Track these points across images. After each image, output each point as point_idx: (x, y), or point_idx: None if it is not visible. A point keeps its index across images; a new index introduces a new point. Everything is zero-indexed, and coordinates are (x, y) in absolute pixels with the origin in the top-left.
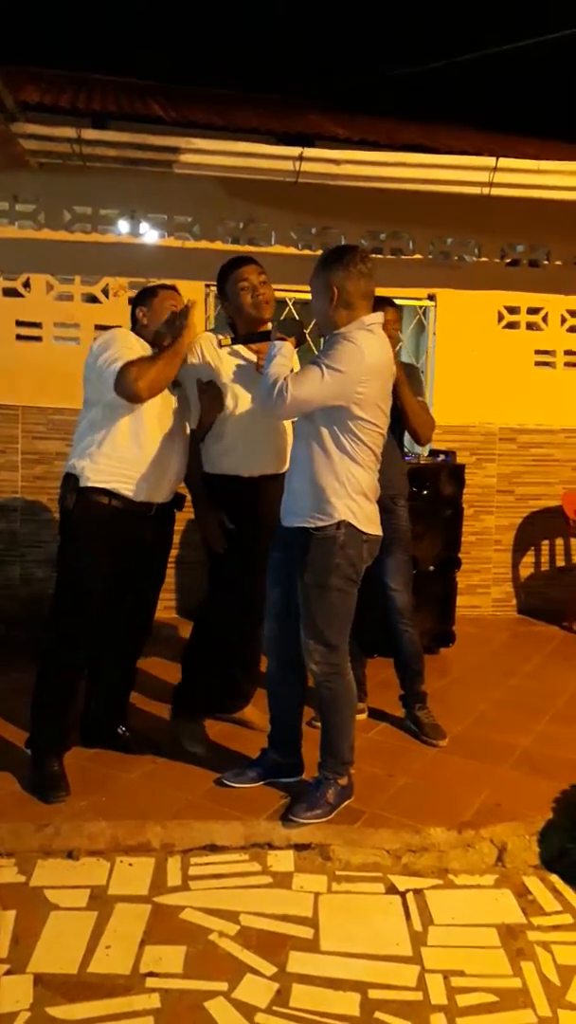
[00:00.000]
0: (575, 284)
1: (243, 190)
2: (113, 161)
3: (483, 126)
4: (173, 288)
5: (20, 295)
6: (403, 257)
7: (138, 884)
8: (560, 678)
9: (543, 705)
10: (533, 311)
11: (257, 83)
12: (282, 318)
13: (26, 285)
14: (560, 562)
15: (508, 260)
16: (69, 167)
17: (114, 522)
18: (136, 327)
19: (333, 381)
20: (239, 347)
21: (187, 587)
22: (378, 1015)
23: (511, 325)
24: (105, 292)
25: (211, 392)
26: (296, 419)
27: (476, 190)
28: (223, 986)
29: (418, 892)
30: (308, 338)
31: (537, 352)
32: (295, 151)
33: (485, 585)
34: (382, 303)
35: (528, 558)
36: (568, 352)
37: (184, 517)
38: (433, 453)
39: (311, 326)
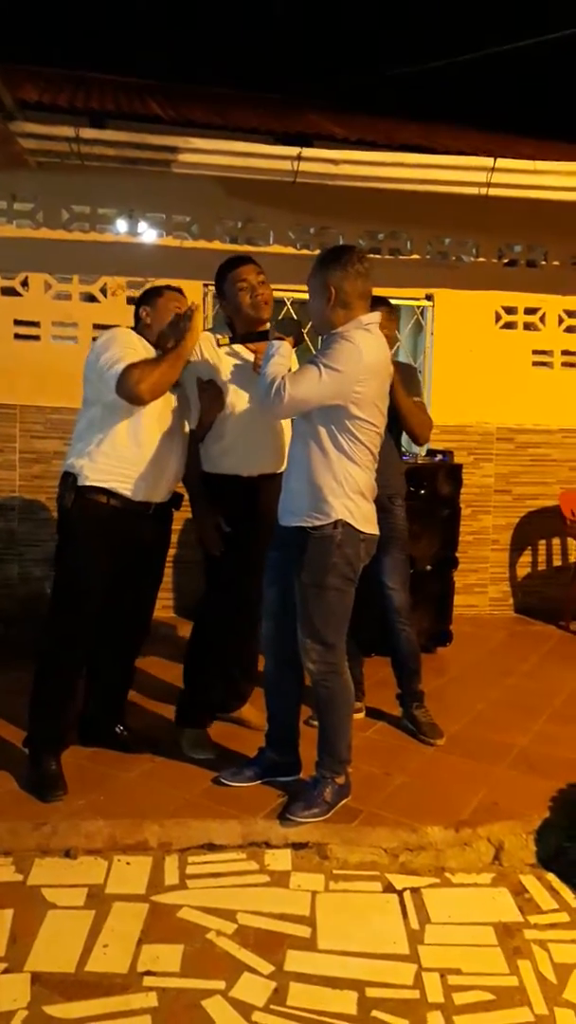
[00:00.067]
0: (572, 284)
1: (241, 190)
2: (111, 160)
3: (482, 126)
4: (178, 290)
5: (18, 294)
6: (401, 257)
7: (135, 883)
8: (557, 677)
9: (540, 704)
10: (530, 311)
11: (256, 83)
12: (280, 318)
13: (24, 284)
14: (557, 562)
15: (506, 260)
16: (67, 166)
17: (112, 521)
18: (139, 326)
19: (331, 380)
20: (237, 347)
21: (185, 586)
22: (375, 1013)
23: (508, 325)
24: (103, 291)
25: (211, 391)
26: (294, 418)
27: (474, 190)
28: (220, 985)
29: (415, 891)
30: (306, 338)
31: (534, 352)
32: (293, 151)
33: (482, 584)
34: (377, 303)
35: (525, 558)
36: (565, 352)
37: (182, 516)
38: (431, 453)
39: (309, 326)
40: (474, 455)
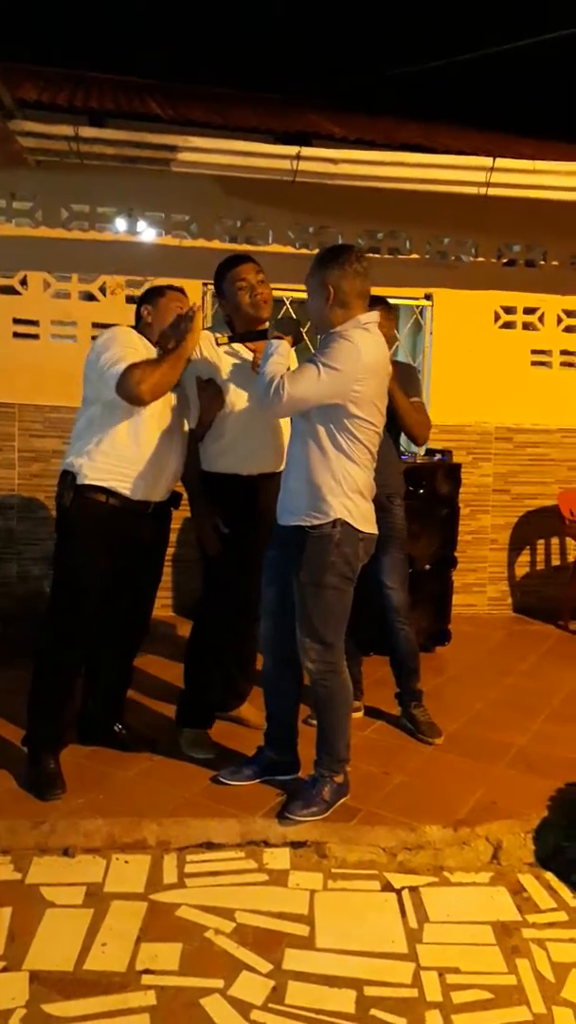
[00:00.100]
0: (571, 284)
1: (241, 189)
2: (111, 159)
3: (481, 126)
4: (180, 290)
5: (17, 293)
6: (400, 257)
7: (134, 881)
8: (556, 677)
9: (539, 703)
10: (529, 311)
11: (256, 82)
12: (279, 317)
13: (23, 283)
14: (556, 561)
15: (505, 260)
16: (67, 165)
17: (111, 520)
18: (139, 325)
19: (329, 379)
20: (236, 345)
21: (184, 585)
22: (374, 1012)
23: (507, 325)
24: (102, 290)
25: (211, 390)
26: (292, 417)
27: (473, 190)
28: (219, 983)
29: (414, 889)
30: (305, 337)
31: (533, 352)
32: (293, 150)
33: (481, 584)
34: (374, 303)
35: (524, 557)
36: (564, 352)
37: (181, 515)
38: (429, 452)
39: (308, 325)
40: (473, 454)
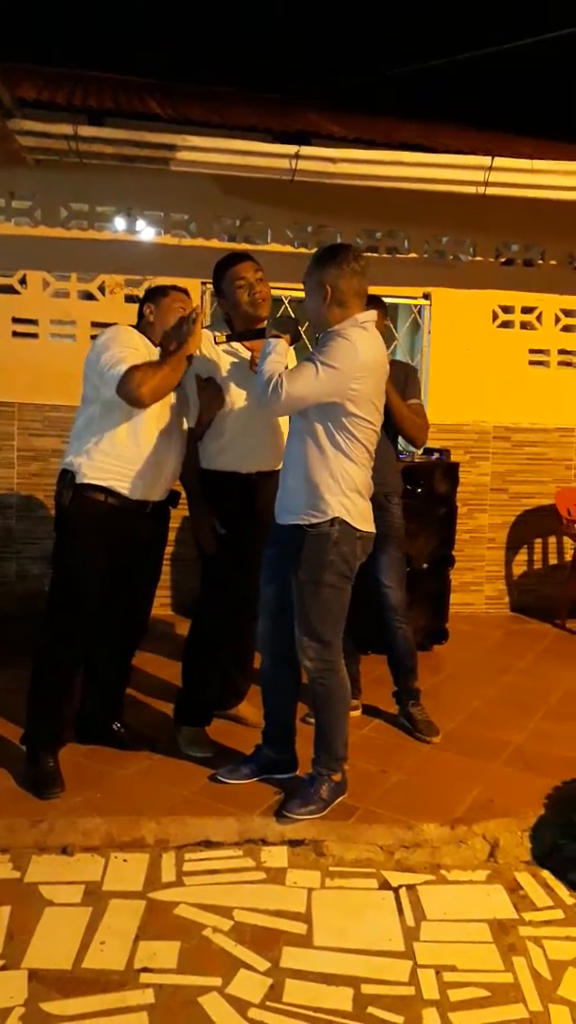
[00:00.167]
0: (569, 284)
1: (239, 188)
2: (110, 158)
3: (480, 125)
4: (184, 291)
5: (16, 292)
6: (399, 256)
7: (132, 880)
8: (553, 675)
9: (536, 702)
10: (527, 310)
11: (255, 81)
12: (278, 316)
13: (22, 282)
14: (553, 560)
15: (503, 259)
16: (66, 164)
17: (110, 519)
18: (141, 323)
19: (328, 378)
20: (234, 344)
21: (183, 584)
22: (371, 1010)
23: (506, 324)
24: (101, 289)
25: (211, 389)
26: (291, 416)
27: (471, 189)
28: (217, 981)
29: (411, 888)
30: (303, 336)
31: (531, 351)
32: (291, 149)
33: (478, 583)
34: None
35: (521, 556)
36: (562, 351)
37: (181, 514)
38: (427, 451)
39: (307, 324)
40: (471, 454)
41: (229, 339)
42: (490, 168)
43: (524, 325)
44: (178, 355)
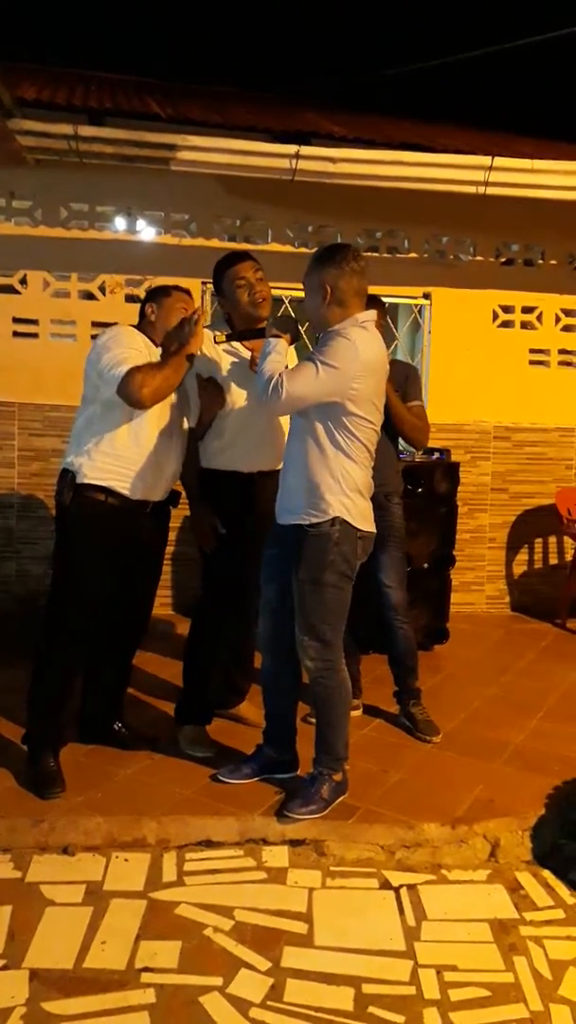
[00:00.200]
0: (569, 283)
1: (240, 188)
2: (110, 158)
3: (480, 125)
4: (186, 291)
5: (16, 292)
6: (399, 256)
7: (133, 880)
8: (553, 675)
9: (536, 702)
10: (528, 310)
11: (255, 81)
12: (279, 315)
13: (23, 282)
14: (553, 560)
15: (503, 259)
16: (66, 164)
17: (111, 519)
18: (143, 323)
19: (328, 377)
20: (234, 343)
21: (184, 584)
22: (372, 1010)
23: (506, 324)
24: (102, 289)
25: (211, 389)
26: (291, 415)
27: (472, 189)
28: (218, 981)
29: (411, 887)
30: (304, 335)
31: (531, 351)
32: (291, 149)
33: (479, 582)
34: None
35: (522, 556)
36: (562, 351)
37: (181, 514)
38: (428, 451)
39: (307, 323)
40: (471, 453)
41: (229, 338)
42: (490, 168)
43: (524, 325)
44: (179, 356)
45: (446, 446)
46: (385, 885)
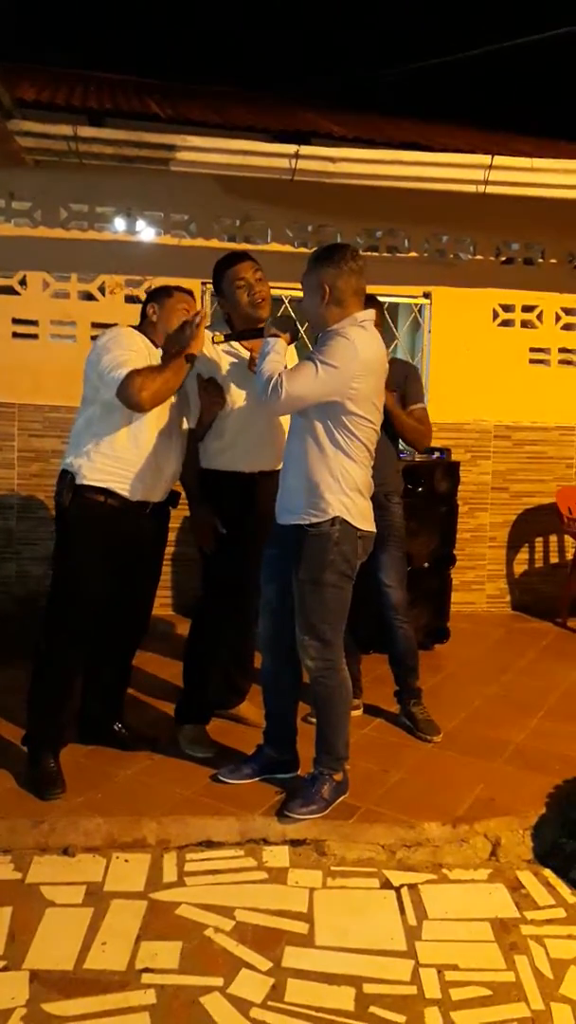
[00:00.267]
0: (569, 282)
1: (239, 188)
2: (110, 159)
3: (480, 124)
4: (189, 293)
5: (16, 293)
6: (399, 255)
7: (134, 880)
8: (554, 674)
9: (537, 701)
10: (528, 309)
11: (254, 81)
12: (278, 315)
13: (22, 283)
14: (554, 559)
15: (503, 258)
16: (65, 164)
17: (110, 520)
18: (144, 323)
19: (327, 377)
20: (233, 344)
21: (184, 584)
22: (372, 1009)
23: (506, 323)
24: (101, 290)
25: (212, 389)
26: (290, 415)
27: (471, 188)
28: (218, 981)
29: (412, 887)
30: (304, 335)
31: (532, 350)
32: (291, 149)
33: (479, 581)
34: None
35: (522, 555)
36: (562, 350)
37: (181, 514)
38: (428, 450)
39: (306, 323)
40: (471, 452)
41: (228, 339)
42: (490, 167)
43: (524, 324)
44: (179, 359)
45: (446, 445)
46: (386, 885)
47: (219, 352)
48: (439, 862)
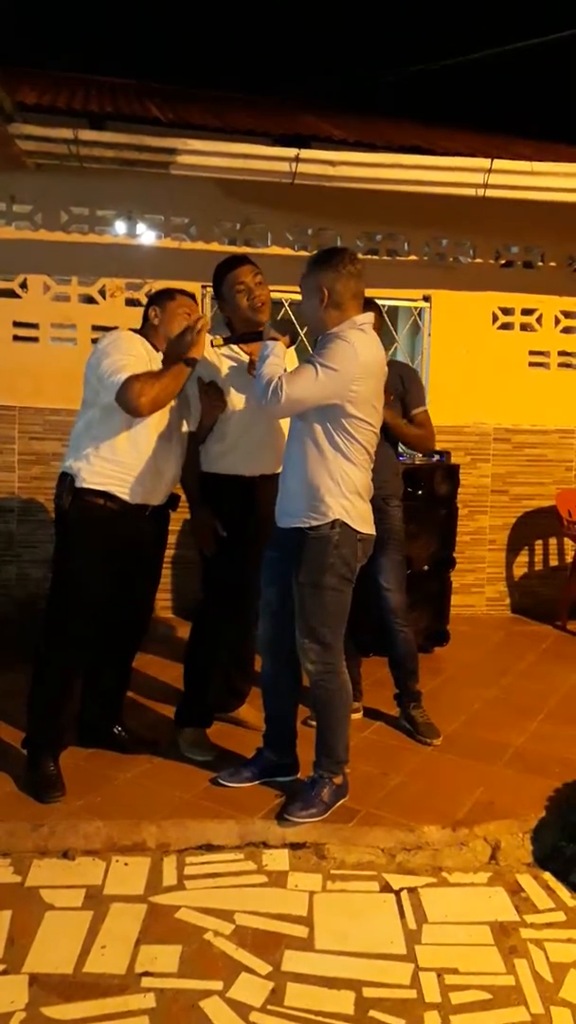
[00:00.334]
0: (569, 285)
1: (240, 191)
2: (110, 162)
3: (480, 127)
4: (191, 296)
5: (17, 296)
6: (398, 258)
7: (133, 884)
8: (553, 677)
9: (536, 704)
10: (527, 312)
11: (255, 84)
12: (278, 318)
13: (23, 286)
14: (554, 561)
15: (503, 261)
16: (66, 168)
17: (110, 523)
18: (145, 326)
19: (327, 379)
20: (233, 347)
21: (184, 587)
22: (372, 1013)
23: (505, 326)
24: (102, 293)
25: (212, 393)
26: (290, 418)
27: (471, 191)
28: (218, 985)
29: (412, 890)
30: (304, 338)
31: (531, 353)
32: (291, 152)
33: (479, 584)
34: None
35: (522, 557)
36: (562, 353)
37: (181, 517)
38: (428, 453)
39: (306, 327)
40: (471, 455)
41: (227, 342)
42: (489, 170)
43: (524, 327)
44: (178, 364)
45: (446, 448)
46: (386, 888)
47: (219, 356)
48: (439, 865)
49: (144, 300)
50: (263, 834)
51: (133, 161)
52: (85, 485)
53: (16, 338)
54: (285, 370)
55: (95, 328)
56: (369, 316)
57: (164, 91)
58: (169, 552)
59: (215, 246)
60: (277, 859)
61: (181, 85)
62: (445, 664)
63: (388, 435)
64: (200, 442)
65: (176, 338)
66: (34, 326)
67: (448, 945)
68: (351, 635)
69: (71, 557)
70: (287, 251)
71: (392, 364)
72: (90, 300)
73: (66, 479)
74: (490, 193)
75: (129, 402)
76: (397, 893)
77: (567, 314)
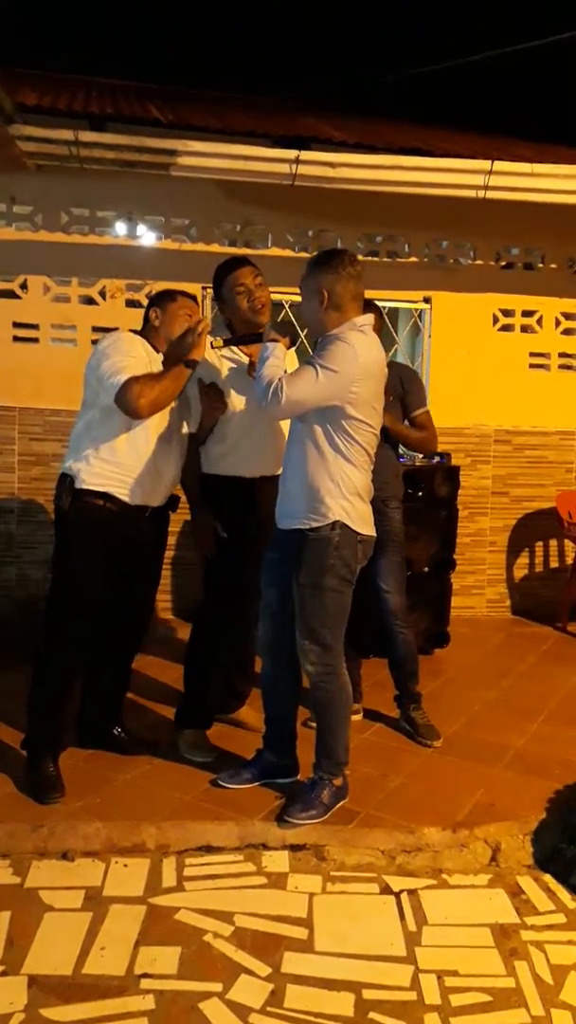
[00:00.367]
0: (569, 287)
1: (240, 192)
2: (110, 163)
3: (481, 129)
4: (192, 297)
5: (17, 297)
6: (399, 260)
7: (133, 885)
8: (554, 678)
9: (537, 705)
10: (527, 314)
11: (255, 85)
12: (279, 320)
13: (23, 287)
14: (554, 563)
15: (503, 263)
16: (66, 169)
17: (110, 524)
18: (146, 327)
19: (328, 381)
20: (233, 348)
21: (184, 588)
22: (372, 1015)
23: (506, 328)
24: (102, 294)
25: (213, 395)
26: (290, 419)
27: (471, 193)
28: (218, 987)
29: (412, 892)
30: (305, 340)
31: (531, 355)
32: (291, 154)
33: (479, 586)
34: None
35: (522, 559)
36: (562, 355)
37: (181, 518)
38: (428, 455)
39: (306, 329)
40: (471, 457)
41: (227, 343)
42: (490, 172)
43: (524, 328)
44: (178, 366)
45: (446, 450)
46: (386, 890)
47: (219, 357)
48: (439, 867)
49: (144, 301)
50: (263, 836)
51: (133, 162)
52: (85, 486)
53: (16, 339)
54: (285, 372)
55: (95, 329)
56: (369, 318)
57: (164, 92)
58: (169, 553)
59: (215, 247)
60: (277, 861)
61: (181, 86)
62: (445, 666)
63: (388, 437)
64: (200, 443)
65: (177, 340)
66: (34, 327)
67: (448, 947)
68: (351, 637)
69: (71, 558)
70: (287, 253)
71: (392, 365)
72: (90, 301)
73: (66, 480)
74: (490, 195)
75: (128, 404)
76: (397, 895)
77: (567, 316)
